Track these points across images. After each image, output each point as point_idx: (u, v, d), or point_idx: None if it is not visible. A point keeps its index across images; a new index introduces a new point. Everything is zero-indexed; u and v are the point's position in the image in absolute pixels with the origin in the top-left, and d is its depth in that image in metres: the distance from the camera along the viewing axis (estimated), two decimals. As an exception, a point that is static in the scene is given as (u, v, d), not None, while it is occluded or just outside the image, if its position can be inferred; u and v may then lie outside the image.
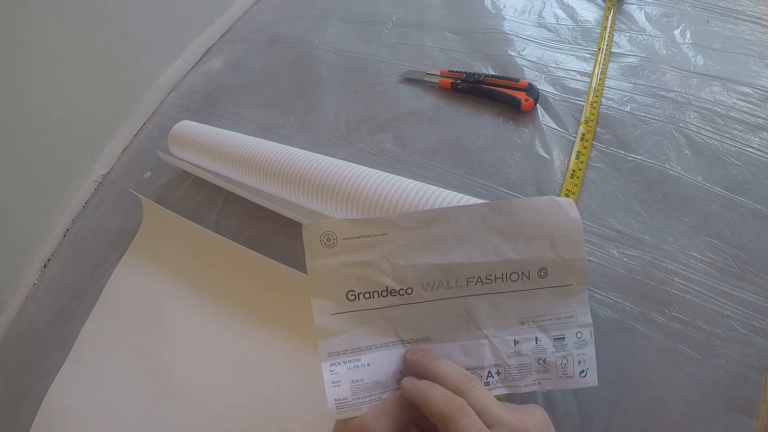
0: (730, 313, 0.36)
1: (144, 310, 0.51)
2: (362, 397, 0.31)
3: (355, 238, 0.33)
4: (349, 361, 0.32)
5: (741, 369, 0.34)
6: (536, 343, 0.32)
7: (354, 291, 0.32)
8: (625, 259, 0.40)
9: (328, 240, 0.32)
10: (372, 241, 0.33)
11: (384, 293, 0.32)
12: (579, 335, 0.32)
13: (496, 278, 0.32)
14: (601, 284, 0.40)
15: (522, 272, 0.32)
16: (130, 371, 0.48)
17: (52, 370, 0.51)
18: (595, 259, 0.41)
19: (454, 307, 0.32)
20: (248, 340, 0.45)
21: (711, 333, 0.36)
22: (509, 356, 0.32)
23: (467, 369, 0.32)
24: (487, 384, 0.32)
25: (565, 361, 0.32)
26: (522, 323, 0.32)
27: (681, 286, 0.38)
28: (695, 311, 0.37)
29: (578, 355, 0.32)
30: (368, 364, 0.32)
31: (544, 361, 0.32)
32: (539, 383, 0.32)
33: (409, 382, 0.29)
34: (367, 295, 0.32)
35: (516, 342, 0.32)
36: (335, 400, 0.30)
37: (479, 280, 0.32)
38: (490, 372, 0.32)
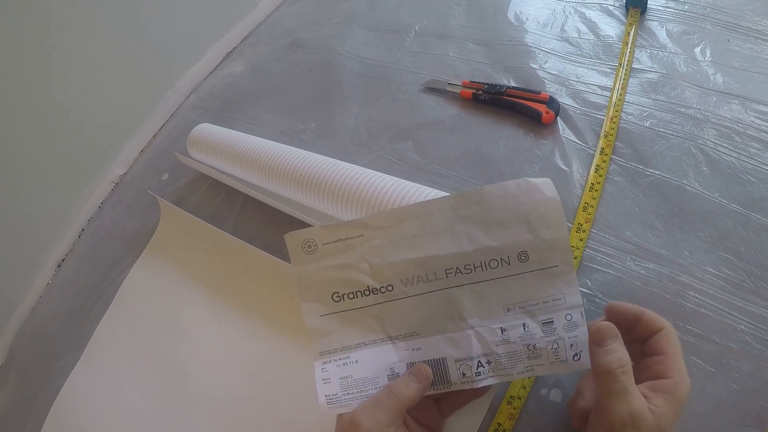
0: (743, 328, 0.38)
1: (159, 311, 0.53)
2: (352, 393, 0.34)
3: (333, 242, 0.36)
4: (339, 359, 0.35)
5: (753, 383, 0.36)
6: (524, 329, 0.33)
7: (338, 292, 0.35)
8: (641, 272, 0.42)
9: (309, 246, 0.36)
10: (349, 244, 0.36)
11: (366, 292, 0.35)
12: (569, 317, 0.33)
13: (474, 267, 0.34)
14: (617, 296, 0.41)
15: (501, 258, 0.33)
16: (144, 372, 0.50)
17: (64, 371, 0.53)
18: (611, 271, 0.43)
19: (437, 300, 0.34)
20: (263, 343, 0.47)
21: (724, 347, 0.37)
22: (497, 344, 0.33)
23: (456, 360, 0.34)
24: (478, 374, 0.33)
25: (555, 346, 0.33)
26: (508, 310, 0.34)
27: (696, 300, 0.40)
28: (709, 325, 0.39)
29: (569, 338, 0.32)
30: (357, 361, 0.34)
31: (534, 347, 0.33)
32: (532, 369, 0.33)
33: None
34: (351, 296, 0.35)
35: (503, 330, 0.33)
36: (326, 396, 0.34)
37: (458, 270, 0.34)
38: (480, 362, 0.33)
